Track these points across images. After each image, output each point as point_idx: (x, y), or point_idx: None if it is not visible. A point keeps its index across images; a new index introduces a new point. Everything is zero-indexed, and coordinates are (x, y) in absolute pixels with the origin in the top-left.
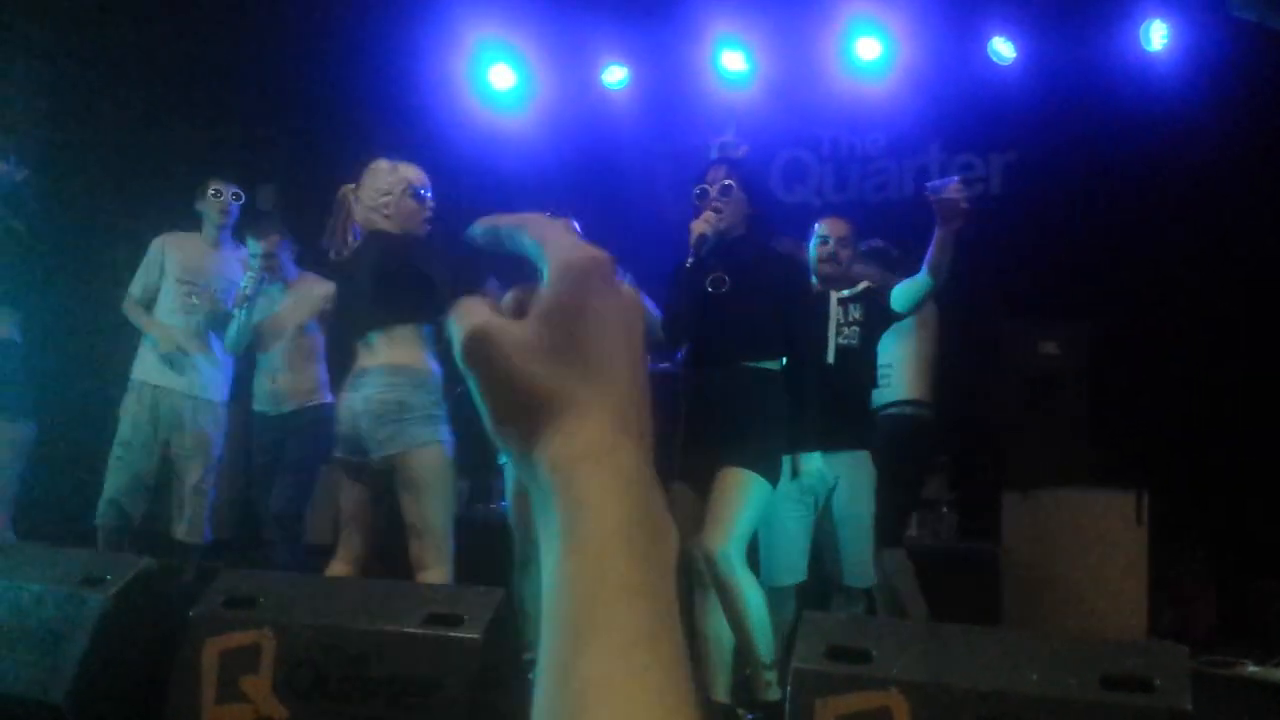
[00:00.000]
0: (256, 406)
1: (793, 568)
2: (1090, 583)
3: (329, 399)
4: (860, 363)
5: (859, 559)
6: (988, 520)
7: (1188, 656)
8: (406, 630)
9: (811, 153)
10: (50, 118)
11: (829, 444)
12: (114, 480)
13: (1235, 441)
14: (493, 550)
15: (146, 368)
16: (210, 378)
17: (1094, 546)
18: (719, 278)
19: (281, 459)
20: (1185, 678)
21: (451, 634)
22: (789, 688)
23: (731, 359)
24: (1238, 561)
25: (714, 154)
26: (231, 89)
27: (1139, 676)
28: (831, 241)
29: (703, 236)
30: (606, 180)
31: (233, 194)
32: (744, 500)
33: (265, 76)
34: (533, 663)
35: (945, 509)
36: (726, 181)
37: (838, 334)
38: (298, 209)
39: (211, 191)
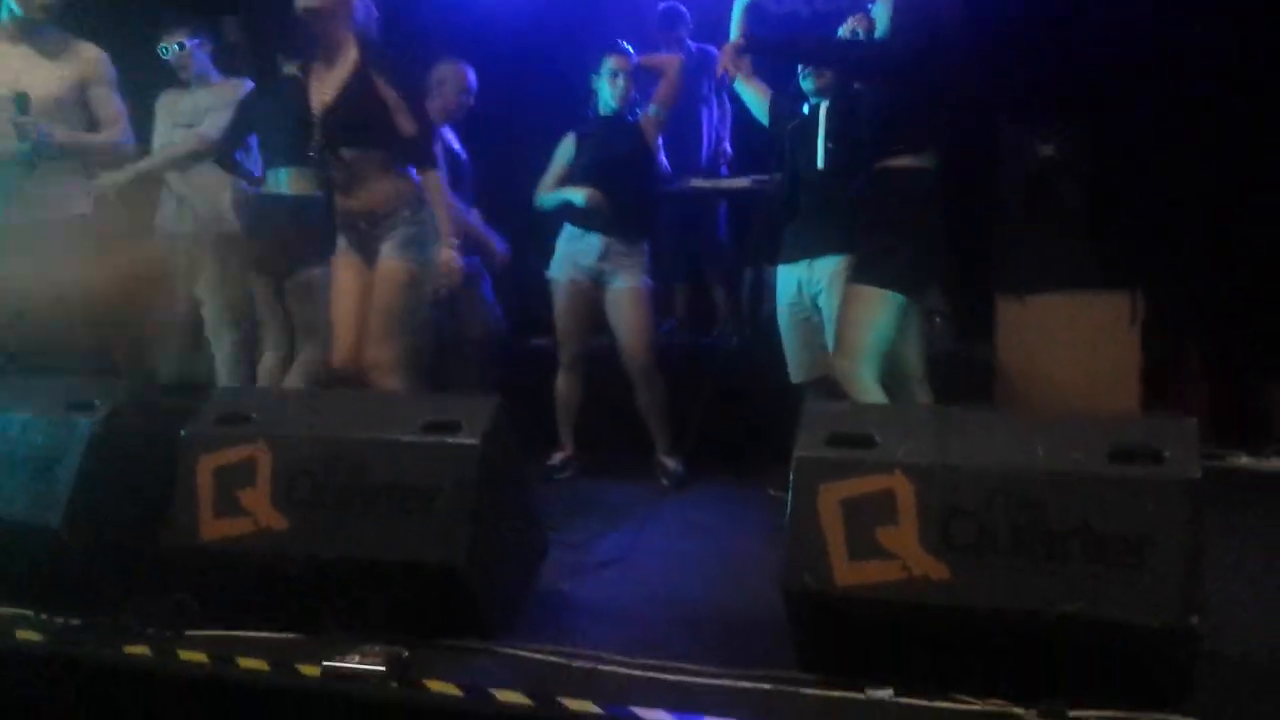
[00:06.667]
0: None
1: (799, 369)
2: (1084, 384)
3: None
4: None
5: None
6: (982, 327)
7: (1196, 427)
8: (404, 439)
9: None
10: None
11: (824, 249)
12: None
13: (1231, 240)
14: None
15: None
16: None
17: (1087, 348)
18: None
19: None
20: (1194, 448)
21: (449, 440)
22: (791, 476)
23: (875, 158)
24: (1232, 358)
25: None
26: None
27: (1147, 448)
28: None
29: None
30: None
31: (177, 44)
32: (867, 320)
33: None
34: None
35: (939, 318)
36: None
37: (827, 139)
38: (266, 39)
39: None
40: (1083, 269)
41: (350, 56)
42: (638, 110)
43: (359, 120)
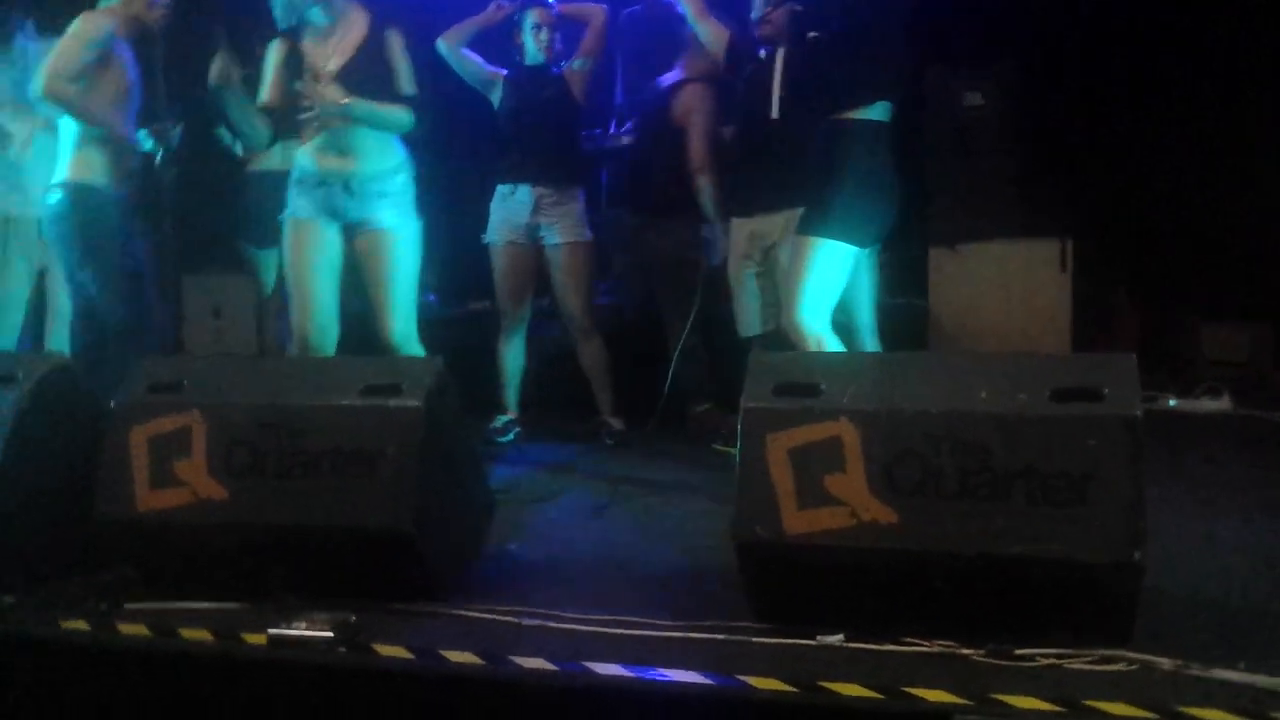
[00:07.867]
0: None
1: (750, 323)
2: (1017, 332)
3: None
4: None
5: None
6: (916, 278)
7: (1135, 364)
8: (344, 403)
9: None
10: None
11: (778, 202)
12: None
13: (1158, 185)
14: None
15: None
16: None
17: (1020, 296)
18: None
19: None
20: (1133, 385)
21: (391, 403)
22: (740, 427)
23: (827, 110)
24: (1161, 303)
25: None
26: None
27: (1088, 387)
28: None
29: None
30: None
31: None
32: (811, 270)
33: None
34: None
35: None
36: None
37: (782, 88)
38: None
39: None
40: (1013, 217)
41: (359, 19)
42: (563, 63)
43: (373, 78)
